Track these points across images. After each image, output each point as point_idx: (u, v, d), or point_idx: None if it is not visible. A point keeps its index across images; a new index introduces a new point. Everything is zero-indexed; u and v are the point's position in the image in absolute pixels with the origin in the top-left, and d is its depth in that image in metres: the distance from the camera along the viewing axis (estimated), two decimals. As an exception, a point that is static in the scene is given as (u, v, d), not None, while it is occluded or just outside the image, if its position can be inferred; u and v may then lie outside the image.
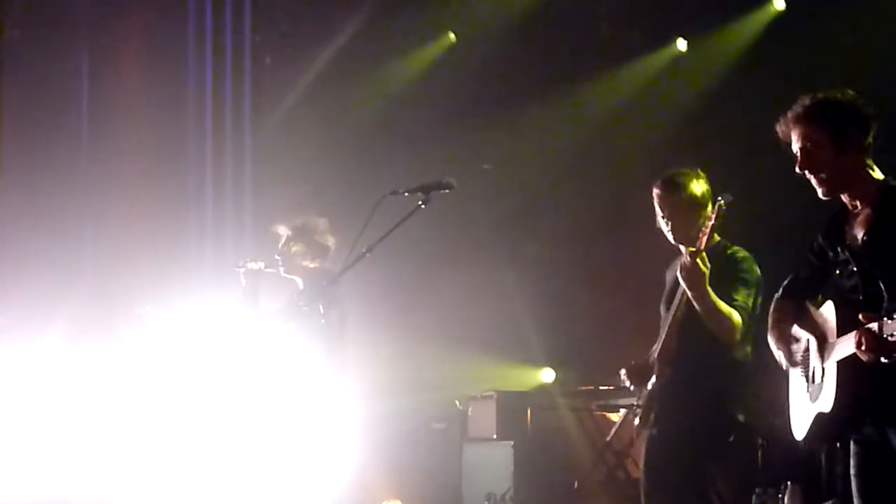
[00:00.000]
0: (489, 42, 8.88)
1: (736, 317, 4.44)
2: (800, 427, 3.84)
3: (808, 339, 3.81)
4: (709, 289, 4.38)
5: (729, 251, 4.67)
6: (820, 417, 3.66)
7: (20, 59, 8.23)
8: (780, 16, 8.27)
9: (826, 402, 3.61)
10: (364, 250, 4.61)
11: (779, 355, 3.94)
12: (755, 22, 8.37)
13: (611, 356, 8.09)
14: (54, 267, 8.00)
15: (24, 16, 8.29)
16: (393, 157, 8.69)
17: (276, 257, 6.31)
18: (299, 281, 6.27)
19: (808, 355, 3.81)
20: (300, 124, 9.02)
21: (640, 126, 8.67)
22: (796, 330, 3.89)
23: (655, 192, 4.68)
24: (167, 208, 8.51)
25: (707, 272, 4.34)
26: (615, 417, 7.59)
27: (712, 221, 4.42)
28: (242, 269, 6.36)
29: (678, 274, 4.41)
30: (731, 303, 4.46)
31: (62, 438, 7.31)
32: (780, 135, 3.87)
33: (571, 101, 8.85)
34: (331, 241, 6.27)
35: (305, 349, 5.82)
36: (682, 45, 8.72)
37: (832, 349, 3.63)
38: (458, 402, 8.15)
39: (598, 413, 7.64)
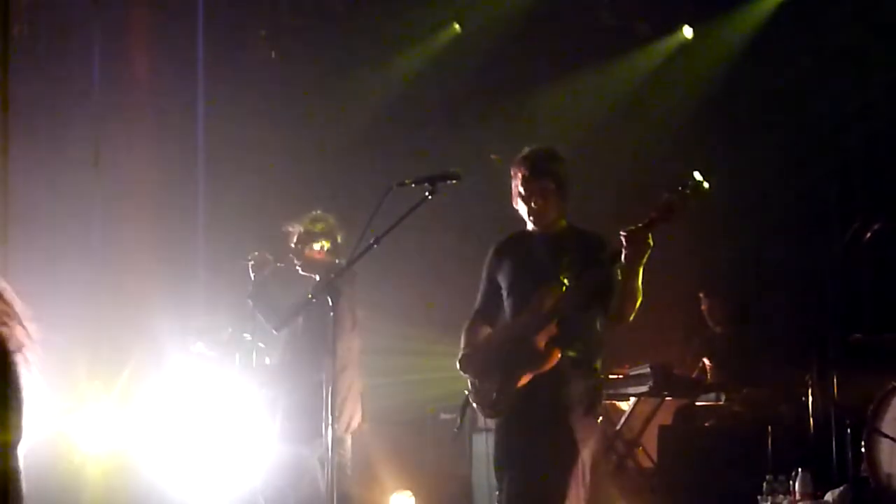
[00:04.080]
0: (494, 33, 8.91)
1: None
2: None
3: None
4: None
5: (586, 232, 4.76)
6: None
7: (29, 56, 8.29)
8: (786, 2, 8.32)
9: None
10: (371, 242, 4.64)
11: None
12: (761, 8, 8.40)
13: (620, 344, 8.16)
14: (65, 272, 8.05)
15: (32, 13, 8.34)
16: (399, 148, 8.73)
17: (291, 256, 6.36)
18: (316, 277, 6.30)
19: None
20: (306, 120, 9.06)
21: (649, 115, 8.70)
22: None
23: (530, 170, 4.72)
24: (177, 212, 8.57)
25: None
26: (625, 406, 7.64)
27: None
28: (251, 262, 6.41)
29: (628, 244, 4.36)
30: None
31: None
32: None
33: (577, 92, 8.89)
34: (340, 236, 6.33)
35: (315, 340, 5.88)
36: (688, 32, 8.75)
37: None
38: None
39: (608, 402, 7.67)
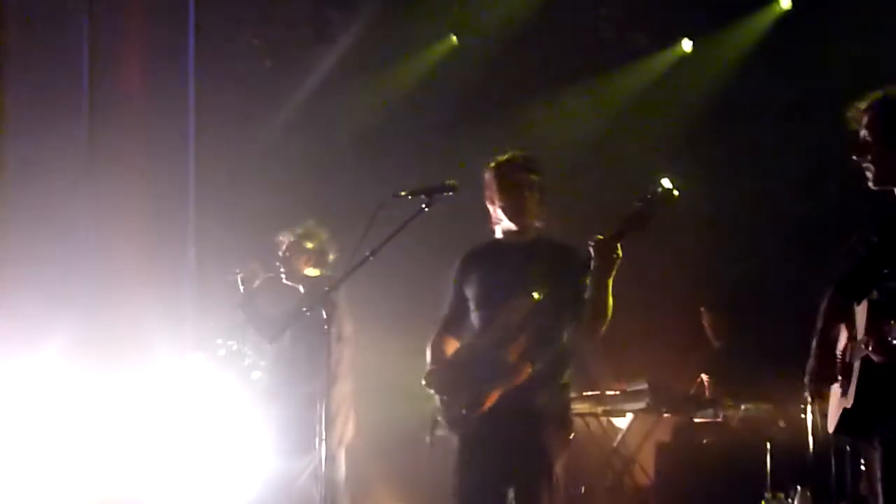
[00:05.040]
0: (491, 45, 8.90)
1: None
2: (832, 420, 3.92)
3: (846, 337, 3.90)
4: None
5: (557, 243, 4.72)
6: (845, 413, 3.74)
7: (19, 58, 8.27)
8: (786, 15, 8.32)
9: (850, 399, 3.70)
10: (367, 255, 4.61)
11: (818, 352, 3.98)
12: (761, 21, 8.40)
13: (618, 360, 8.12)
14: (54, 273, 8.02)
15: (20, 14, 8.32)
16: (395, 161, 8.70)
17: (278, 265, 6.36)
18: (301, 288, 6.32)
19: (846, 352, 3.89)
20: (300, 130, 9.03)
21: (646, 129, 8.68)
22: (842, 328, 3.97)
23: (509, 166, 4.71)
24: (167, 222, 8.55)
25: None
26: (622, 423, 7.60)
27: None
28: (240, 274, 6.40)
29: (596, 254, 4.33)
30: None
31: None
32: (853, 120, 3.98)
33: (575, 104, 8.87)
34: (332, 248, 6.33)
35: (307, 352, 5.86)
36: (687, 45, 8.75)
37: (858, 347, 3.71)
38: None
39: (605, 418, 7.64)
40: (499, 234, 4.78)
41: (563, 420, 4.63)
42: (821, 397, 3.99)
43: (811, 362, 3.98)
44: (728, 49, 8.51)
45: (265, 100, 9.06)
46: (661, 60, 8.78)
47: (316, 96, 9.06)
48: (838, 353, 3.97)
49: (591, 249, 4.34)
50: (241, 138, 8.85)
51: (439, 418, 4.70)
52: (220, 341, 7.13)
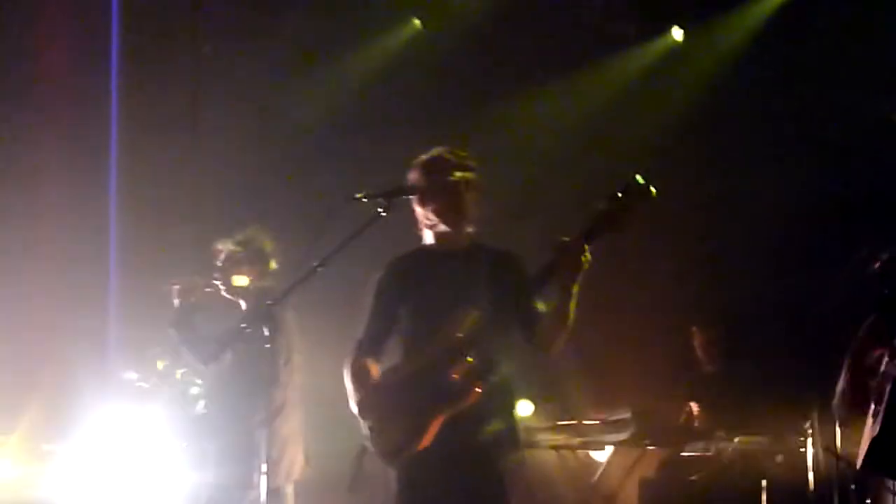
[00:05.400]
0: (459, 31, 8.90)
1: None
2: (861, 453, 3.93)
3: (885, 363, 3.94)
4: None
5: (496, 250, 4.73)
6: (873, 444, 3.75)
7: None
8: (784, 5, 8.41)
9: (877, 425, 3.72)
10: (315, 265, 4.58)
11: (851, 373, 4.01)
12: (757, 11, 8.48)
13: (596, 387, 8.13)
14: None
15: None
16: (349, 160, 8.68)
17: (216, 276, 6.32)
18: (242, 303, 6.29)
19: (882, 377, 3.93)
20: (244, 124, 8.96)
21: (632, 125, 8.72)
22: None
23: (447, 163, 4.70)
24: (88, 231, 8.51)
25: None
26: (601, 456, 7.61)
27: None
28: (177, 287, 6.35)
29: (561, 257, 4.33)
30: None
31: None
32: None
33: (553, 98, 8.89)
34: (276, 257, 6.30)
35: (248, 376, 5.83)
36: (677, 34, 8.80)
37: (890, 369, 3.74)
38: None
39: (582, 451, 7.65)
40: (429, 240, 4.76)
41: (516, 445, 4.61)
42: (847, 424, 4.00)
43: (841, 383, 3.99)
44: (721, 39, 8.58)
45: (203, 90, 8.99)
46: (649, 51, 8.82)
47: (262, 85, 9.01)
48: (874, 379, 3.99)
49: (556, 252, 4.32)
50: (174, 134, 8.77)
51: (371, 449, 4.60)
52: (163, 362, 7.05)
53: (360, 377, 4.67)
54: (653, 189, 4.27)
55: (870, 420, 3.92)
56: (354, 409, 4.62)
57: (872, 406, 3.91)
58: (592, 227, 4.30)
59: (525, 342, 4.57)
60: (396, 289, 4.72)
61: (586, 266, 4.31)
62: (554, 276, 4.37)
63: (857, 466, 3.96)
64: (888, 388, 3.76)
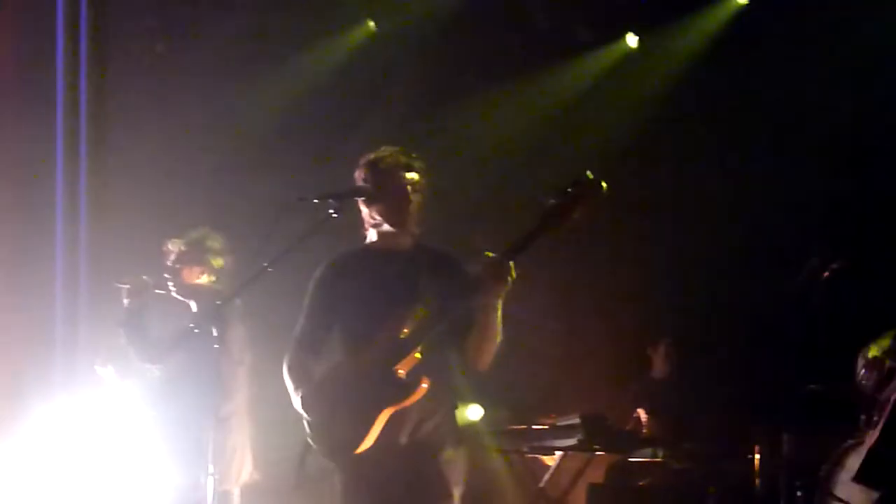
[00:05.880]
0: (413, 32, 8.89)
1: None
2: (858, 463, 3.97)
3: None
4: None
5: (439, 250, 4.73)
6: (869, 455, 3.78)
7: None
8: (742, 10, 8.46)
9: (874, 434, 3.76)
10: (265, 265, 4.55)
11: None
12: (715, 16, 8.53)
13: (547, 391, 8.14)
14: None
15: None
16: (301, 160, 8.64)
17: (166, 276, 6.28)
18: (192, 304, 6.26)
19: None
20: (192, 123, 8.88)
21: (586, 132, 8.74)
22: None
23: (403, 170, 4.68)
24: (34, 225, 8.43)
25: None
26: (550, 461, 7.62)
27: None
28: (126, 287, 6.30)
29: (485, 273, 4.32)
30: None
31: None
32: None
33: (507, 103, 8.90)
34: (227, 258, 6.27)
35: (197, 377, 5.79)
36: (632, 41, 8.83)
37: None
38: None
39: (531, 456, 7.66)
40: (372, 239, 4.75)
41: (459, 442, 4.62)
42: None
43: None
44: (678, 45, 8.62)
45: (155, 88, 8.92)
46: (604, 56, 8.85)
47: (214, 85, 8.95)
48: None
49: (481, 268, 4.32)
50: (125, 132, 8.69)
51: (314, 446, 4.58)
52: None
53: (300, 374, 4.65)
54: (603, 184, 4.28)
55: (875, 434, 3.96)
56: (297, 405, 4.59)
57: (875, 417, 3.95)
58: (522, 240, 4.31)
59: (458, 354, 4.57)
60: (335, 287, 4.69)
61: (509, 285, 4.31)
62: (478, 292, 4.38)
63: (854, 477, 3.99)
64: (893, 399, 3.79)
